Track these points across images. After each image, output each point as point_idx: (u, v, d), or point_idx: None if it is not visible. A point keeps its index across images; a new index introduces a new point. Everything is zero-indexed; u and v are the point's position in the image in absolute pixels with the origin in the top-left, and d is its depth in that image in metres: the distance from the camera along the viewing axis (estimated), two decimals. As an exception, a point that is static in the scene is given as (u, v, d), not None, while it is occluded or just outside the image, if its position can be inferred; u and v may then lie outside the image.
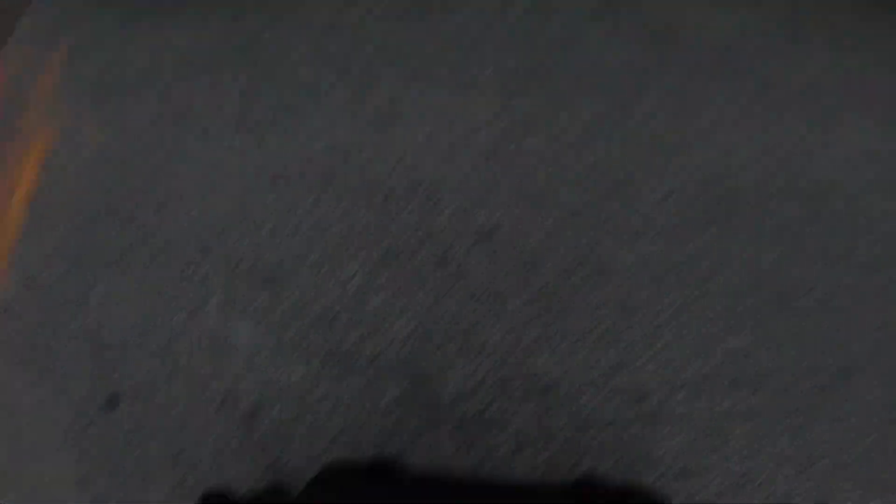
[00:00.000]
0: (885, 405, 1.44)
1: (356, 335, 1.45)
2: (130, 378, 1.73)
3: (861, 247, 1.50)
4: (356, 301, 1.46)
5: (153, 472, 1.71)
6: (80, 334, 1.86)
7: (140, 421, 1.72)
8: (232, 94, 1.75)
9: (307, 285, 1.49)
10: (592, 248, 1.49)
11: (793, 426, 1.48)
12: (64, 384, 1.90)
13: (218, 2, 1.97)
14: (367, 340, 1.45)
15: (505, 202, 1.49)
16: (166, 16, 2.09)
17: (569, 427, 1.43)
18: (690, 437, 1.45)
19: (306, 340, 1.48)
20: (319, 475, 1.33)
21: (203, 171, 1.68)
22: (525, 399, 1.43)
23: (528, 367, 1.43)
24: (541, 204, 1.49)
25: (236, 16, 1.89)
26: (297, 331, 1.49)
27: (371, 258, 1.47)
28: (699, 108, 1.61)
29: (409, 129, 1.56)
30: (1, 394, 2.09)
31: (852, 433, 1.43)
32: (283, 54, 1.72)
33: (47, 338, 1.96)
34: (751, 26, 1.71)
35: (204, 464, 1.62)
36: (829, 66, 1.66)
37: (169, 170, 1.75)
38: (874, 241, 1.51)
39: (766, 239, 1.53)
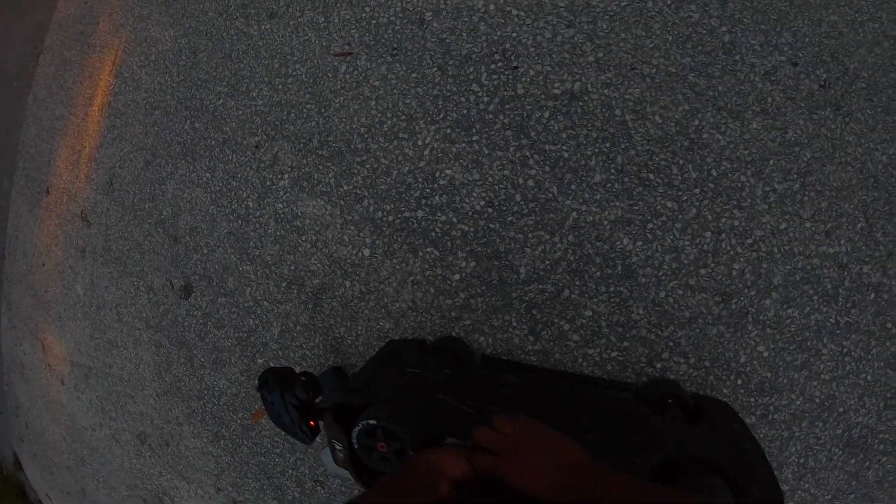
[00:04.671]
0: None
1: (427, 209, 1.43)
2: (203, 266, 1.83)
3: None
4: (428, 173, 1.43)
5: (224, 356, 1.82)
6: (157, 227, 1.99)
7: (212, 307, 1.83)
8: (298, -26, 1.74)
9: (378, 158, 1.48)
10: (687, 121, 1.34)
11: (887, 354, 1.31)
12: (144, 278, 2.05)
13: None
14: (439, 214, 1.42)
15: (590, 67, 1.38)
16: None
17: (645, 321, 1.34)
18: (776, 347, 1.31)
19: (376, 215, 1.48)
20: (382, 351, 1.34)
21: (270, 54, 1.70)
22: (602, 284, 1.35)
23: (608, 248, 1.35)
24: (630, 69, 1.37)
25: None
26: (367, 205, 1.49)
27: (444, 128, 1.43)
28: None
29: (486, -9, 1.47)
30: (88, 291, 2.30)
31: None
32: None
33: (128, 236, 2.12)
34: None
35: (271, 346, 1.70)
36: None
37: (236, 57, 1.78)
38: None
39: (881, 134, 1.31)
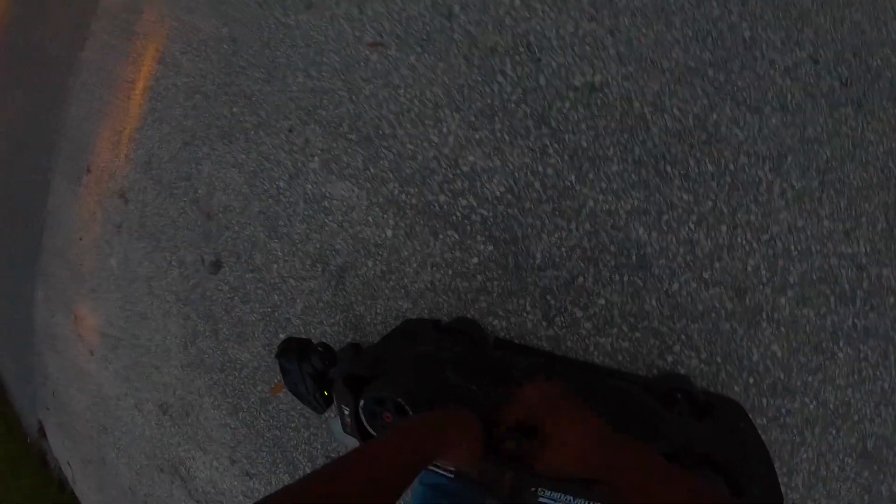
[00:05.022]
0: None
1: (450, 193, 1.49)
2: (233, 242, 1.92)
3: None
4: (452, 159, 1.49)
5: (248, 330, 1.90)
6: (191, 205, 2.09)
7: (239, 282, 1.92)
8: (336, -31, 1.83)
9: (403, 144, 1.55)
10: (707, 115, 1.37)
11: None
12: (175, 252, 2.16)
13: None
14: (460, 198, 1.48)
15: (611, 61, 1.43)
16: None
17: (658, 312, 1.37)
18: (790, 348, 1.30)
19: (400, 198, 1.54)
20: (398, 328, 1.40)
21: (306, 43, 1.79)
22: (616, 273, 1.39)
23: (624, 238, 1.38)
24: (651, 63, 1.41)
25: None
26: (392, 188, 1.56)
27: (469, 115, 1.49)
28: None
29: (515, -13, 1.54)
30: (122, 265, 2.42)
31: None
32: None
33: (163, 212, 2.23)
34: None
35: (294, 321, 1.77)
36: None
37: (274, 46, 1.88)
38: None
39: None
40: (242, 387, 1.94)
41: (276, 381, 1.83)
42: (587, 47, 1.46)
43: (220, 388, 2.02)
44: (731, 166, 1.35)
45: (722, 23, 1.40)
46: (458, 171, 1.49)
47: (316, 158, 1.70)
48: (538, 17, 1.50)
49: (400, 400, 0.90)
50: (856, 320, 1.29)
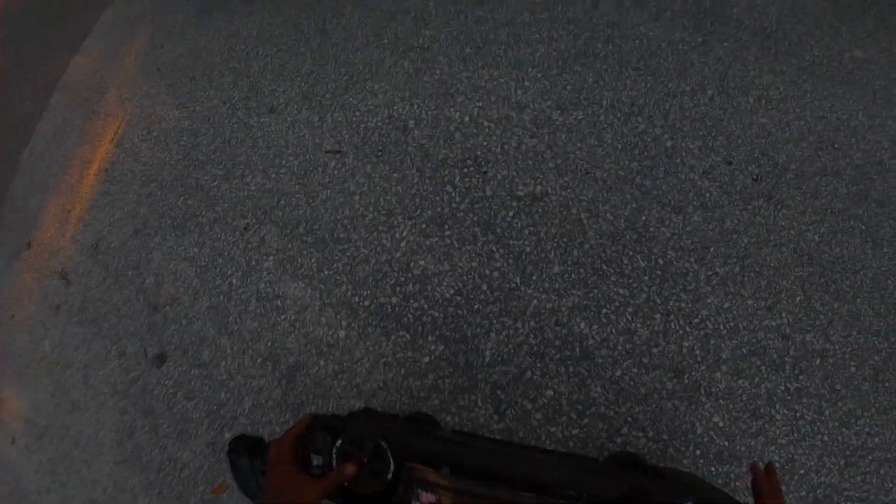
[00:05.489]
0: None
1: (402, 295, 1.56)
2: (180, 336, 1.89)
3: (911, 230, 1.49)
4: (404, 263, 1.58)
5: (191, 427, 1.84)
6: (138, 295, 2.05)
7: (184, 378, 1.87)
8: (298, 76, 1.97)
9: (357, 247, 1.63)
10: (636, 217, 1.55)
11: (839, 414, 1.42)
12: (117, 342, 2.09)
13: (290, -2, 2.23)
14: (412, 301, 1.55)
15: (550, 172, 1.60)
16: (238, 8, 2.37)
17: (603, 398, 1.46)
18: (730, 417, 1.43)
19: (353, 299, 1.60)
20: (353, 413, 1.40)
21: (266, 145, 1.88)
22: (562, 365, 1.48)
23: (567, 332, 1.49)
24: (585, 174, 1.59)
25: (303, 6, 2.14)
26: (345, 290, 1.61)
27: (421, 222, 1.60)
28: (745, 85, 1.67)
29: (462, 105, 1.71)
30: (56, 349, 2.30)
31: (905, 426, 1.38)
32: (348, 38, 1.93)
33: (107, 299, 2.17)
34: (800, 7, 1.78)
35: (241, 420, 1.74)
36: (878, 47, 1.70)
37: (235, 144, 1.96)
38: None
39: (811, 217, 1.53)
40: (181, 487, 1.84)
41: (219, 481, 1.75)
42: (529, 161, 1.63)
43: (156, 488, 1.90)
44: (661, 261, 1.52)
45: (647, 136, 1.61)
46: (410, 275, 1.57)
47: (271, 258, 1.74)
48: (485, 133, 1.67)
49: (382, 443, 0.87)
50: (788, 384, 1.43)
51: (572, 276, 1.53)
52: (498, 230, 1.58)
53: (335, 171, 1.73)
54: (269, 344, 1.70)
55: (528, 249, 1.56)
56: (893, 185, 1.55)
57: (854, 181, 1.56)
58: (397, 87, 1.81)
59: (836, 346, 1.45)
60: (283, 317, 1.69)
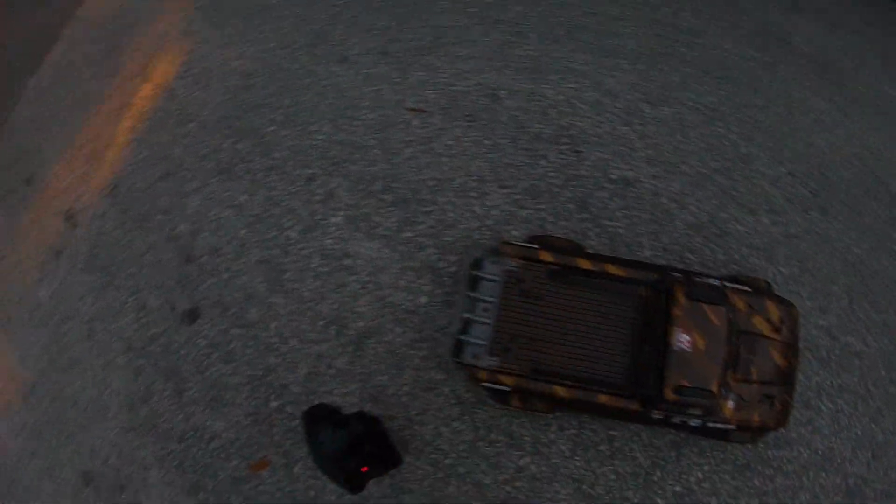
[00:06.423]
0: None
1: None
2: (219, 291, 1.71)
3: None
4: (495, 231, 1.50)
5: (226, 394, 1.67)
6: (168, 243, 1.85)
7: (221, 338, 1.69)
8: (375, 30, 1.84)
9: (445, 211, 1.53)
10: (716, 213, 1.61)
11: (871, 410, 1.56)
12: (136, 294, 1.87)
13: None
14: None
15: (642, 160, 1.60)
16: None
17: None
18: None
19: (439, 264, 1.50)
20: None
21: (336, 95, 1.74)
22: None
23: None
24: (674, 167, 1.61)
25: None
26: (429, 253, 1.51)
27: (515, 193, 1.53)
28: (805, 107, 1.80)
29: (556, 84, 1.67)
30: (54, 298, 2.04)
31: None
32: (431, 1, 1.84)
33: (125, 246, 1.94)
34: (851, 48, 1.97)
35: (292, 388, 1.59)
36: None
37: (298, 90, 1.81)
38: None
39: (858, 232, 1.68)
40: (209, 460, 1.66)
41: (258, 456, 1.59)
42: (621, 147, 1.61)
43: (175, 461, 1.71)
44: (737, 255, 1.58)
45: (726, 140, 1.66)
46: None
47: (340, 213, 1.61)
48: (579, 115, 1.63)
49: None
50: (833, 379, 1.56)
51: (661, 261, 1.54)
52: (593, 209, 1.54)
53: (419, 131, 1.62)
54: (335, 306, 1.56)
55: (621, 231, 1.53)
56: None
57: (890, 206, 1.72)
58: (488, 55, 1.73)
59: (872, 350, 1.59)
60: (353, 277, 1.55)
